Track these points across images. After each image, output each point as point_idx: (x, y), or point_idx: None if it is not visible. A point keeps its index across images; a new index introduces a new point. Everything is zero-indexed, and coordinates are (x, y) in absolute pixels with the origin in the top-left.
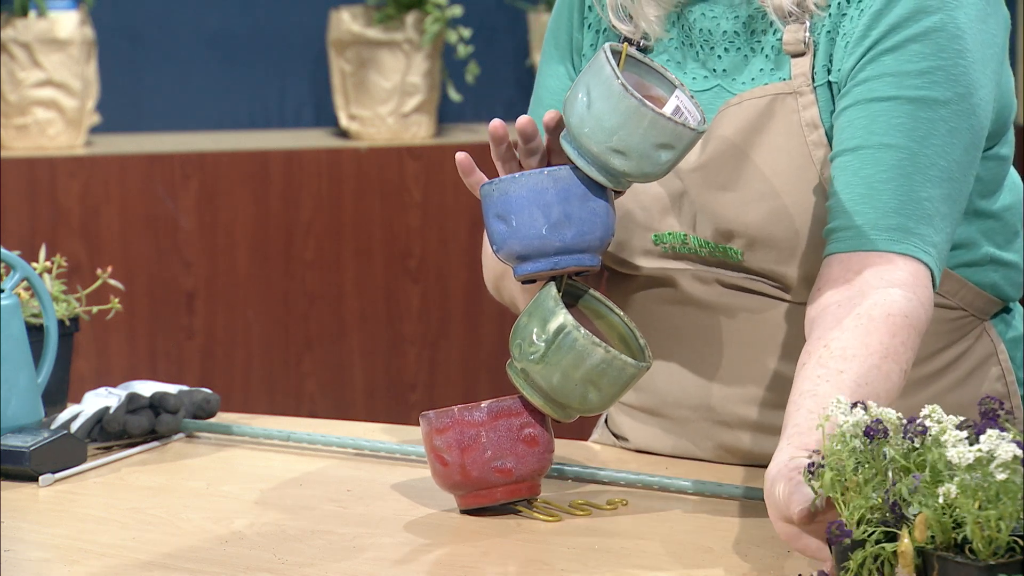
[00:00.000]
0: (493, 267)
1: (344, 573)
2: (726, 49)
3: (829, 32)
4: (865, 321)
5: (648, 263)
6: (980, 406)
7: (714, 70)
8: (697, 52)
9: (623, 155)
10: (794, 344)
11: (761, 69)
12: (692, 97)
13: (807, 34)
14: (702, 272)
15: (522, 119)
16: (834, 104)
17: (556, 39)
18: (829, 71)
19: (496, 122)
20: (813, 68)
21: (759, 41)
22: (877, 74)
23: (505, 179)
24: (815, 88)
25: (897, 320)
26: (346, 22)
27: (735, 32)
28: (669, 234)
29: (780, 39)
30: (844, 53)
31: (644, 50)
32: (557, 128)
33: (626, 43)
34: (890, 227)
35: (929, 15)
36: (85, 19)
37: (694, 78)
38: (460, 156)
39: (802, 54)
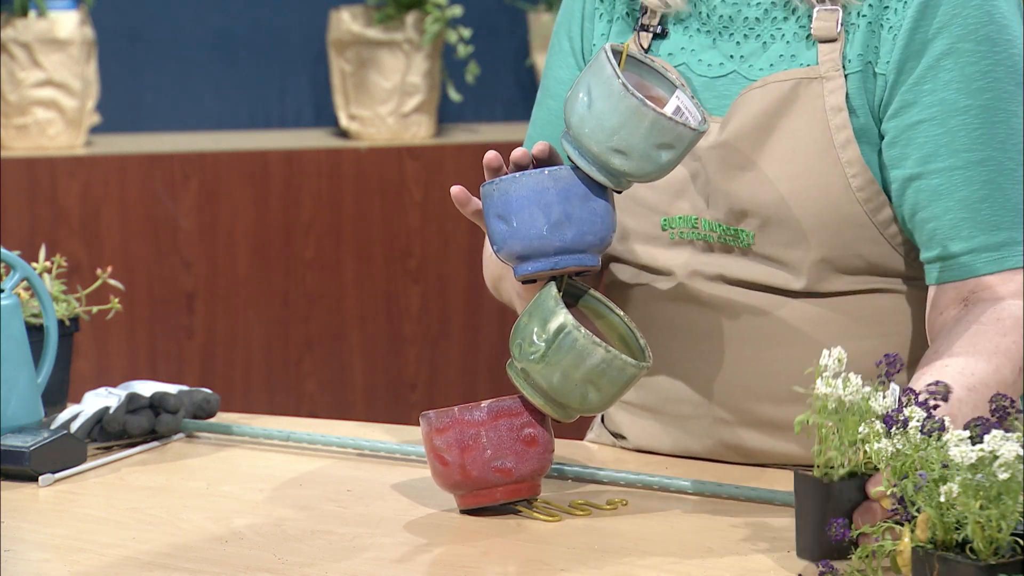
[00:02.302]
0: (492, 267)
1: (344, 573)
2: (745, 35)
3: (871, 23)
4: (975, 326)
5: (653, 253)
6: (991, 403)
7: (731, 56)
8: (715, 39)
9: (624, 155)
10: (796, 341)
11: (781, 55)
12: (693, 97)
13: (839, 22)
14: (706, 267)
15: (518, 151)
16: (871, 93)
17: (568, 28)
18: (872, 63)
19: (491, 153)
20: (844, 55)
21: (779, 28)
22: (943, 83)
23: (505, 179)
24: (846, 75)
25: (1007, 323)
26: (346, 22)
27: (756, 19)
28: (679, 218)
29: (803, 26)
30: (892, 45)
31: (663, 36)
32: (549, 160)
33: (627, 43)
34: (997, 245)
35: (972, 4)
36: (85, 19)
37: (709, 64)
38: (455, 190)
39: (832, 40)
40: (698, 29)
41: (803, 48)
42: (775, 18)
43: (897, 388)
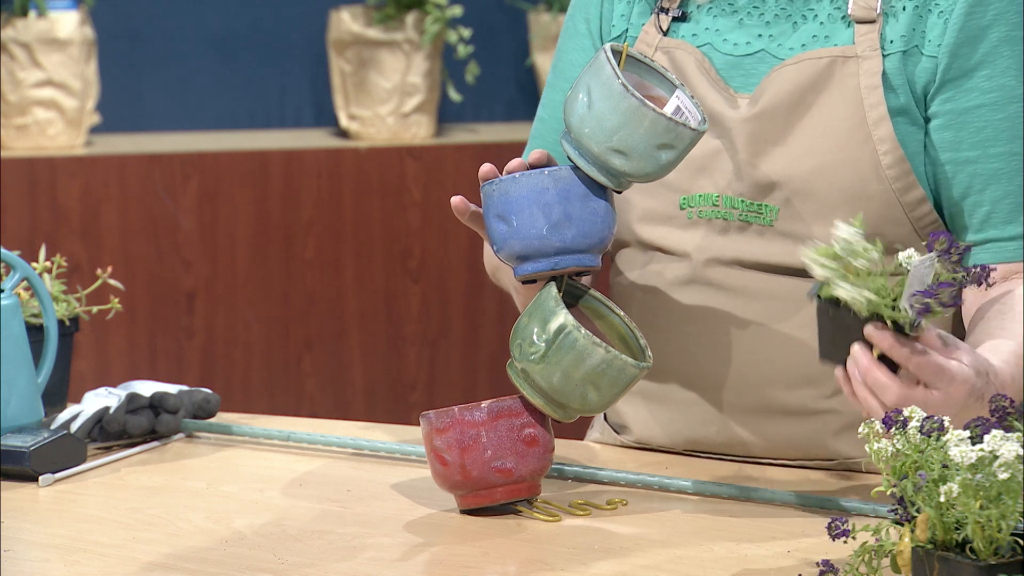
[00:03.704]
0: (492, 256)
1: (344, 573)
2: (776, 15)
3: (917, 6)
4: (1013, 301)
5: (669, 234)
6: (991, 403)
7: (759, 35)
8: (741, 19)
9: (624, 155)
10: (811, 325)
11: (814, 36)
12: (692, 97)
13: (879, 3)
14: (723, 250)
15: (513, 162)
16: (914, 73)
17: (585, 11)
18: (919, 45)
19: (486, 166)
20: (883, 35)
21: (812, 9)
22: (1002, 69)
23: (506, 179)
24: (885, 55)
25: None
26: (346, 22)
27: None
28: (700, 196)
29: (838, 7)
30: (944, 28)
31: (683, 19)
32: (547, 167)
33: (625, 43)
34: None
35: None
36: (85, 19)
37: (735, 44)
38: (455, 200)
39: (870, 21)
40: (723, 10)
41: (838, 29)
42: None
43: (933, 256)
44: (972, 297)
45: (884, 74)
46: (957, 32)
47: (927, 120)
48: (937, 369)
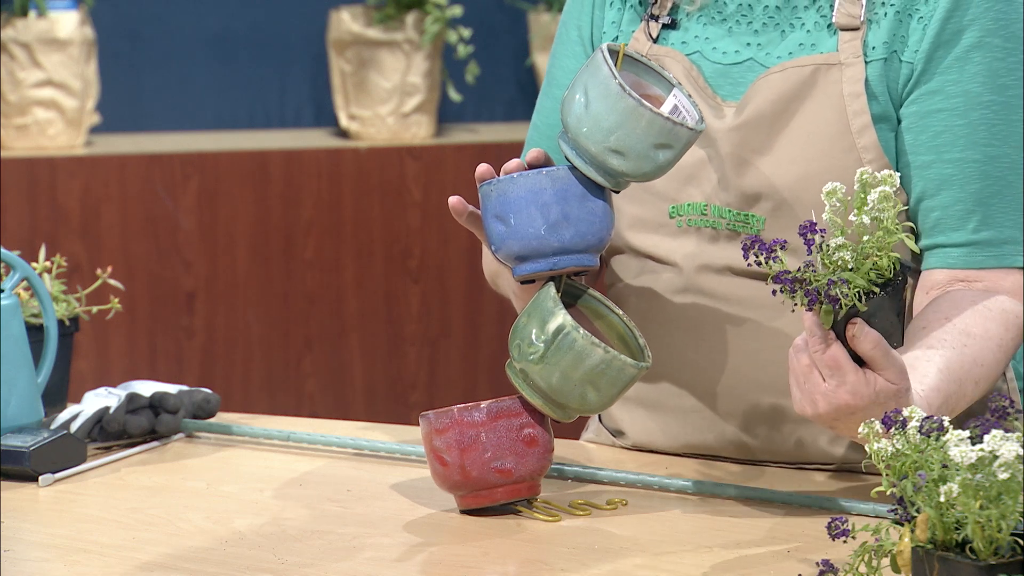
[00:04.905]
0: (491, 262)
1: (344, 573)
2: (764, 24)
3: (899, 12)
4: (982, 309)
5: (659, 242)
6: (990, 403)
7: (748, 44)
8: (730, 27)
9: (621, 155)
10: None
11: (801, 44)
12: (690, 96)
13: (863, 10)
14: (714, 258)
15: (511, 162)
16: (894, 80)
17: (577, 17)
18: (898, 51)
19: (482, 166)
20: (866, 42)
21: (799, 17)
22: (970, 75)
23: (503, 179)
24: (867, 62)
25: (994, 312)
26: (346, 22)
27: (776, 7)
28: (688, 205)
29: (824, 15)
30: (922, 34)
31: (672, 26)
32: (544, 166)
33: (623, 43)
34: (1000, 241)
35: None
36: (85, 19)
37: (724, 52)
38: (453, 201)
39: (854, 28)
40: (712, 18)
41: (824, 36)
42: (795, 7)
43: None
44: (918, 299)
45: (866, 81)
46: (934, 37)
47: (899, 122)
48: (834, 364)
